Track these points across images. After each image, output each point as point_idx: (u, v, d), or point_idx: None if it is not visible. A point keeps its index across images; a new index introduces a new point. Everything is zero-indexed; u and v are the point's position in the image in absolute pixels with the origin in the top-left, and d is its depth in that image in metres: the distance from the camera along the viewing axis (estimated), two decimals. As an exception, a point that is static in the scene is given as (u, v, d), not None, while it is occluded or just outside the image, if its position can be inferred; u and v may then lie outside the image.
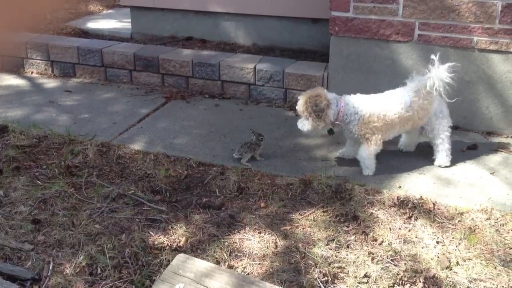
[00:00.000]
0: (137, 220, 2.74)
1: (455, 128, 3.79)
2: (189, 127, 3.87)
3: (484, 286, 2.27)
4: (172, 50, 4.87)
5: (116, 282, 2.27)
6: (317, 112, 3.06)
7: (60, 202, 2.88)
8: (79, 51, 4.89)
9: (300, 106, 3.14)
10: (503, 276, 2.32)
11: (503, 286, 2.26)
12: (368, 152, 3.15)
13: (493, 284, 2.28)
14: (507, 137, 3.68)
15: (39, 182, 3.07)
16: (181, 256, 2.17)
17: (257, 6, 5.06)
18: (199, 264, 2.12)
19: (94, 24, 6.25)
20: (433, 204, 2.85)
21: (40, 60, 5.04)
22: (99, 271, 2.34)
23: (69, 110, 4.17)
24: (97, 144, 3.49)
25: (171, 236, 2.61)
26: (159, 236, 2.60)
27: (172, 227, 2.68)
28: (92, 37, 5.65)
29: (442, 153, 3.26)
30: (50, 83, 4.83)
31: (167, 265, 2.20)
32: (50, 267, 2.37)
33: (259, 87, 4.37)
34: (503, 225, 2.67)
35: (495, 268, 2.38)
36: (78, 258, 2.41)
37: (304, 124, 3.15)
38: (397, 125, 3.14)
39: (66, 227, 2.66)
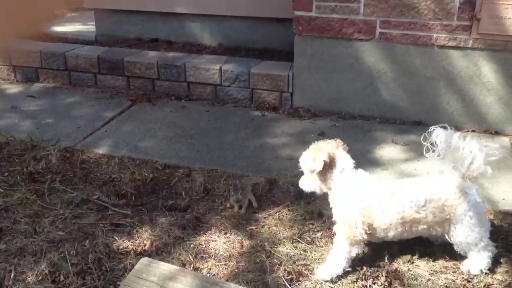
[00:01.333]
0: (101, 225, 2.70)
1: (417, 123, 3.87)
2: (155, 129, 3.85)
3: (445, 278, 2.32)
4: (137, 52, 4.82)
5: (79, 289, 2.25)
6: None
7: (22, 209, 2.82)
8: (42, 55, 4.80)
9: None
10: (463, 268, 2.38)
11: (463, 277, 2.31)
12: (342, 250, 2.31)
13: (454, 276, 2.33)
14: (468, 131, 3.76)
15: (1, 190, 3.00)
16: (144, 260, 2.15)
17: (222, 7, 5.06)
18: (163, 267, 2.10)
19: (58, 28, 6.16)
20: (396, 199, 2.89)
21: (1, 65, 4.93)
22: (62, 278, 2.30)
23: (32, 116, 4.09)
24: (60, 149, 3.44)
25: (136, 240, 2.58)
26: (123, 240, 2.58)
27: (137, 231, 2.65)
28: (56, 41, 5.55)
29: (476, 258, 2.33)
30: (13, 88, 4.73)
31: (131, 270, 2.18)
32: (12, 276, 2.32)
33: (225, 88, 4.36)
34: (463, 218, 2.73)
35: (457, 260, 2.43)
36: (41, 266, 2.36)
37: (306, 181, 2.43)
38: (398, 227, 2.29)
39: (28, 234, 2.61)
